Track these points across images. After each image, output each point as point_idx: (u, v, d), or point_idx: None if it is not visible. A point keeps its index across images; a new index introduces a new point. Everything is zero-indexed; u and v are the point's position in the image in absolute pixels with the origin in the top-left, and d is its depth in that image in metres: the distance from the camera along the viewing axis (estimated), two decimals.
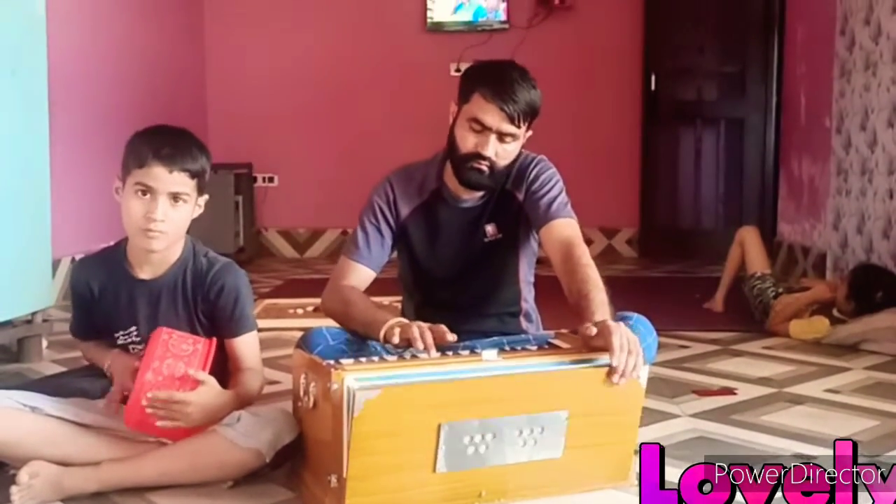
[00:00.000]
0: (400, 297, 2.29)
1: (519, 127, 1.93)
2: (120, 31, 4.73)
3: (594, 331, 1.65)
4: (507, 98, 1.90)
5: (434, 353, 1.69)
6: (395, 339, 1.73)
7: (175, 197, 1.80)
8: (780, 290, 3.57)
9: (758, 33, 5.71)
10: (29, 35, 2.82)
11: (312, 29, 6.03)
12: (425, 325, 1.74)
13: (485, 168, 1.95)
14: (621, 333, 1.63)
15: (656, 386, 2.53)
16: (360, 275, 2.04)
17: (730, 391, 2.53)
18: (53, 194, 2.96)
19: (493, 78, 1.94)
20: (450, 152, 2.02)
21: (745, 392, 2.52)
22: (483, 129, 1.93)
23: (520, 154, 2.05)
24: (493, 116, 1.91)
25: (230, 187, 5.35)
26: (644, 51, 5.87)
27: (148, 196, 1.78)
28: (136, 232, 1.81)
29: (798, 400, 2.45)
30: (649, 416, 2.18)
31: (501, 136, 1.94)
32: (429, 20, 5.98)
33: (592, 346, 1.67)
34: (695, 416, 2.27)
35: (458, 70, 5.87)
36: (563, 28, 5.95)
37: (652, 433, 2.08)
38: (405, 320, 1.81)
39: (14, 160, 2.74)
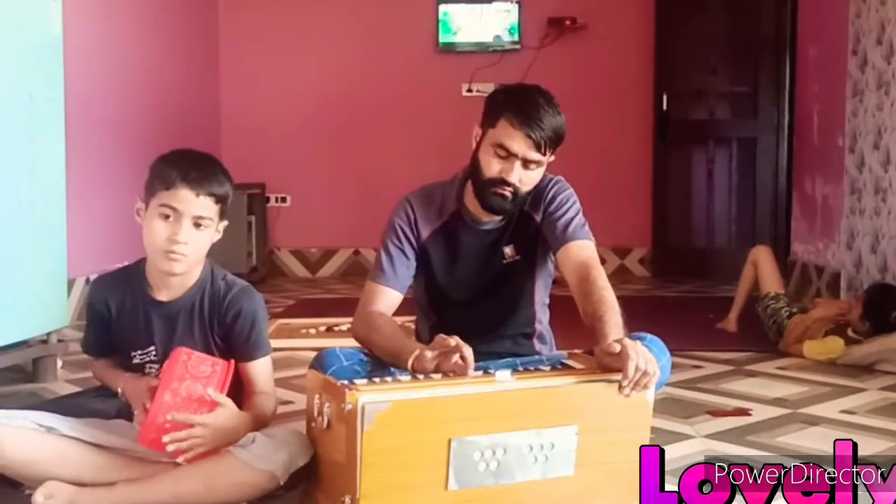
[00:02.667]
0: (414, 318, 2.29)
1: (544, 154, 1.93)
2: (135, 55, 4.77)
3: (618, 347, 1.64)
4: (533, 125, 1.89)
5: (473, 372, 1.68)
6: (430, 365, 1.72)
7: (199, 221, 1.81)
8: (795, 310, 3.55)
9: (770, 53, 5.72)
10: (46, 60, 2.85)
11: (324, 51, 6.07)
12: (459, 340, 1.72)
13: (508, 194, 1.95)
14: (638, 350, 1.63)
15: (670, 406, 2.52)
16: (388, 298, 2.03)
17: (744, 412, 2.52)
18: (69, 216, 2.98)
19: (520, 104, 1.93)
20: (473, 176, 2.01)
21: (760, 413, 2.51)
22: (508, 155, 1.92)
23: None
24: (519, 143, 1.91)
25: (243, 207, 5.37)
26: (656, 71, 5.88)
27: (172, 218, 1.79)
28: (158, 254, 1.81)
29: (813, 421, 2.44)
30: (663, 437, 2.17)
31: (526, 163, 1.93)
32: (440, 41, 6.01)
33: (608, 365, 1.67)
34: (709, 436, 2.26)
35: (469, 90, 5.91)
36: (574, 49, 5.98)
37: (666, 454, 2.06)
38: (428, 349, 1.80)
39: (31, 182, 2.77)
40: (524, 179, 1.95)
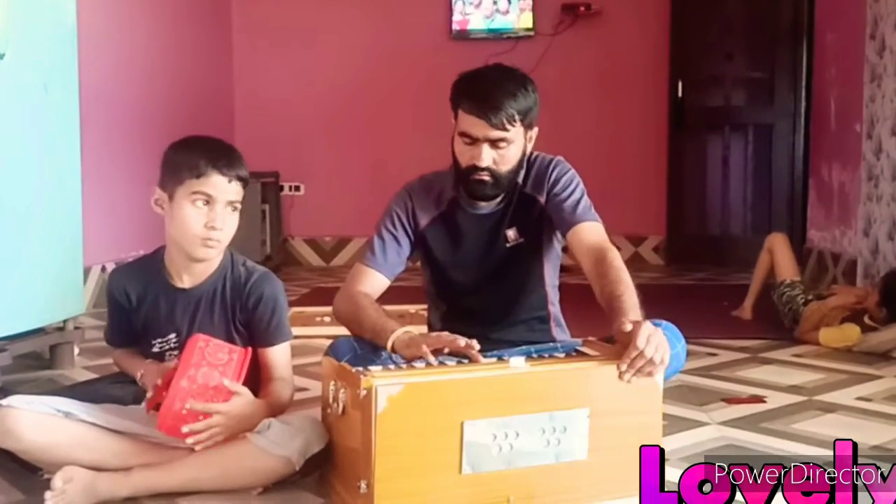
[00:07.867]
0: (425, 306, 2.30)
1: (508, 130, 1.92)
2: (149, 44, 4.79)
3: (629, 327, 1.63)
4: (486, 107, 1.89)
5: (478, 356, 1.69)
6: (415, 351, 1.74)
7: (232, 205, 1.83)
8: (810, 297, 3.54)
9: (786, 39, 5.67)
10: (61, 51, 2.86)
11: (338, 40, 6.07)
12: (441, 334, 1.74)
13: (486, 178, 1.95)
14: (651, 337, 1.61)
15: (685, 393, 2.51)
16: (374, 281, 2.04)
17: (759, 399, 2.51)
18: (84, 205, 3.00)
19: (471, 88, 1.95)
20: (454, 167, 2.03)
21: (775, 400, 2.50)
22: (473, 141, 1.93)
23: (536, 156, 2.05)
24: (477, 128, 1.91)
25: (257, 196, 5.39)
26: (671, 57, 5.85)
27: (206, 205, 1.80)
28: (192, 241, 1.82)
29: (829, 408, 2.43)
30: (678, 424, 2.18)
31: (494, 143, 1.93)
32: (454, 28, 5.99)
33: (625, 344, 1.66)
34: (724, 423, 2.26)
35: None
36: (589, 35, 5.95)
37: (681, 441, 2.06)
38: (412, 330, 1.81)
39: (46, 172, 2.79)
40: (498, 159, 1.94)
